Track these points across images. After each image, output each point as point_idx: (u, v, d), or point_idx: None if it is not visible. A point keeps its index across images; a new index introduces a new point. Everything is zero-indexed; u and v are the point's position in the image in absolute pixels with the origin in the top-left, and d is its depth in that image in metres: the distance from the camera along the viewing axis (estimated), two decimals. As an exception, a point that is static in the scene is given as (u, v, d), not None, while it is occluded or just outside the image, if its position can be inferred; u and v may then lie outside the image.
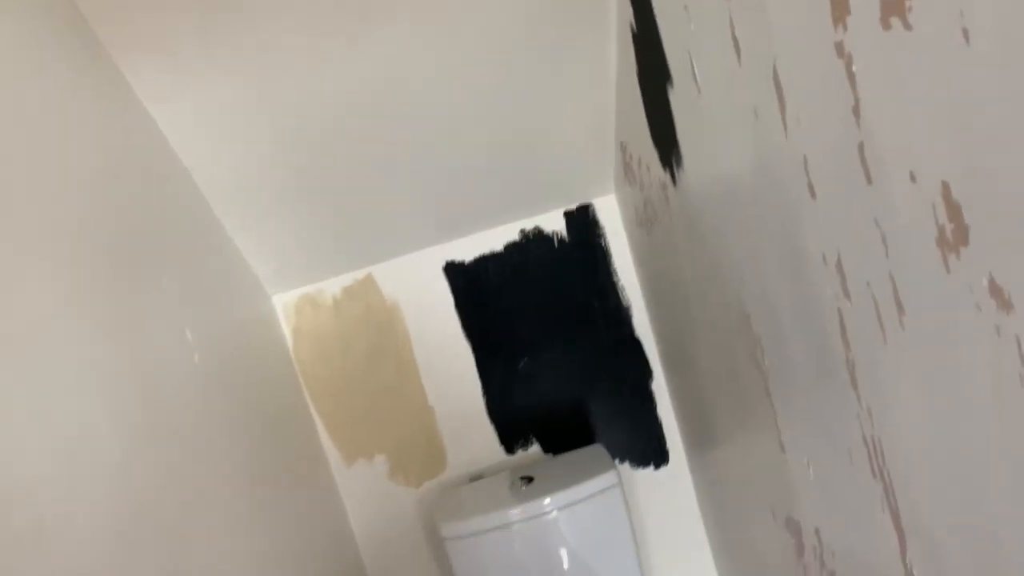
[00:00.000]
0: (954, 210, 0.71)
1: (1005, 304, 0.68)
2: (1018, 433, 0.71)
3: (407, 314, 1.97)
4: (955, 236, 0.72)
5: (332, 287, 1.95)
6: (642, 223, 1.80)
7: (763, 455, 1.45)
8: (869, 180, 0.83)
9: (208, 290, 1.46)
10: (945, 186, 0.72)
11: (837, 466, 1.13)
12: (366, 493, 2.02)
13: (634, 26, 1.41)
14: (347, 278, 1.95)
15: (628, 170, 1.79)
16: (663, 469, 2.09)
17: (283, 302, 1.94)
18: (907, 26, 0.69)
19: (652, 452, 2.08)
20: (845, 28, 0.79)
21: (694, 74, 1.21)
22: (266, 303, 1.87)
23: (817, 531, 1.29)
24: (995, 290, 0.69)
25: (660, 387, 2.05)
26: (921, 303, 0.80)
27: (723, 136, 1.18)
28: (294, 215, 1.72)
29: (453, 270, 1.97)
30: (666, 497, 2.08)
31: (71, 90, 1.08)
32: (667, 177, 1.52)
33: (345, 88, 1.47)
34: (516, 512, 1.80)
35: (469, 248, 1.97)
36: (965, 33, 0.63)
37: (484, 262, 1.97)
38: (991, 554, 0.83)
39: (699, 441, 1.92)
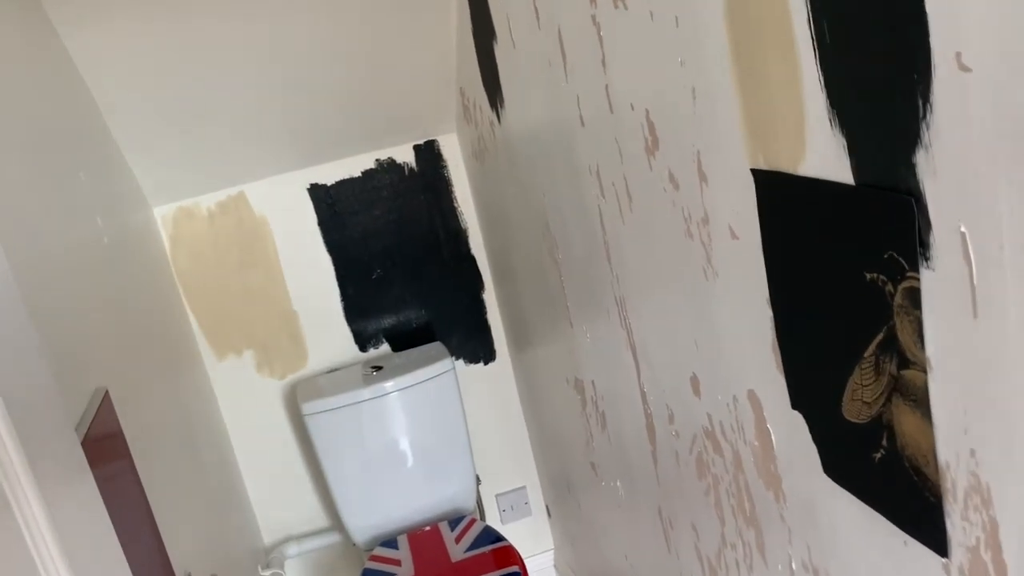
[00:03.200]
0: (651, 128, 1.13)
1: (676, 185, 1.10)
2: (686, 267, 1.14)
3: (275, 228, 2.27)
4: (652, 144, 1.14)
5: (207, 201, 2.23)
6: (477, 155, 2.18)
7: (559, 335, 1.87)
8: (612, 110, 1.24)
9: (110, 191, 1.73)
10: (647, 113, 1.13)
11: (602, 326, 1.56)
12: (235, 384, 2.33)
13: (469, -8, 1.77)
14: (221, 195, 2.23)
15: (466, 111, 2.16)
16: (491, 365, 2.50)
17: (162, 214, 2.20)
18: (626, 7, 1.09)
19: (482, 351, 2.49)
20: (596, 6, 1.18)
21: (511, 33, 1.59)
22: (148, 213, 2.13)
23: (593, 383, 1.73)
24: (671, 178, 1.11)
25: (490, 296, 2.46)
26: (638, 191, 1.22)
27: (530, 81, 1.57)
28: (176, 137, 1.98)
29: (316, 191, 2.29)
30: (493, 387, 2.51)
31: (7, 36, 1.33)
32: (494, 116, 1.91)
33: (232, 32, 1.75)
34: (366, 392, 2.16)
35: (331, 173, 2.29)
36: (652, 15, 1.04)
37: (344, 185, 2.30)
38: (680, 366, 1.27)
39: (519, 340, 2.34)
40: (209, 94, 1.90)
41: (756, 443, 1.08)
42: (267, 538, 2.44)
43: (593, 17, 1.20)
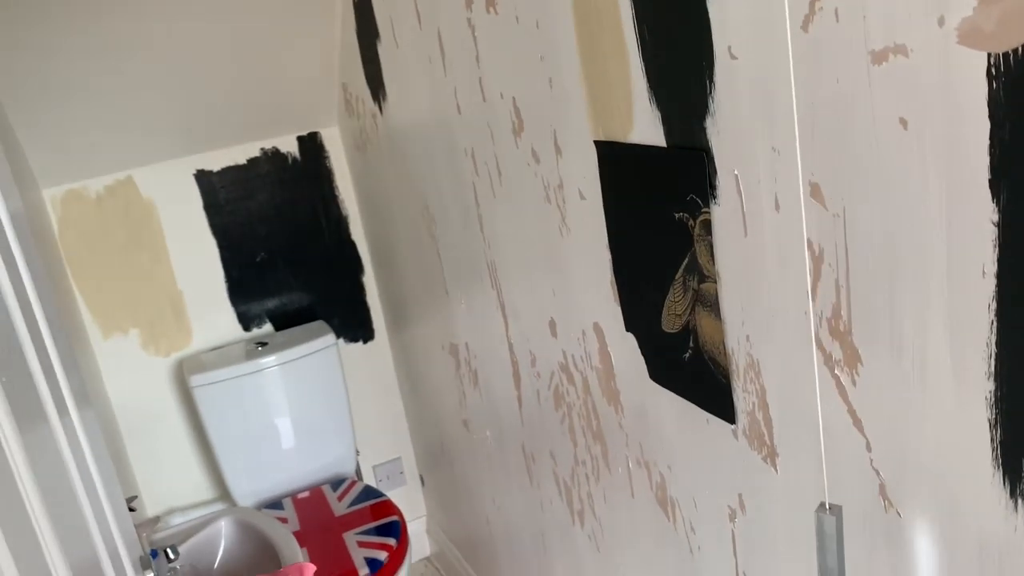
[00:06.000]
0: (518, 113, 1.37)
1: (537, 159, 1.34)
2: (546, 227, 1.38)
3: (162, 211, 2.38)
4: (519, 126, 1.38)
5: (95, 185, 2.31)
6: (359, 147, 2.38)
7: (436, 305, 2.09)
8: (484, 99, 1.47)
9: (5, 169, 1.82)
10: (514, 100, 1.37)
11: (475, 290, 1.79)
12: (121, 361, 2.41)
13: (356, -4, 1.97)
14: (109, 179, 2.33)
15: (349, 105, 2.35)
16: (370, 344, 2.69)
17: (51, 195, 2.28)
18: (496, 12, 1.33)
19: (362, 331, 2.68)
20: (471, 10, 1.41)
21: (394, 33, 1.80)
22: (37, 194, 2.20)
23: (467, 345, 1.95)
24: (534, 153, 1.35)
25: (370, 280, 2.65)
26: (507, 167, 1.46)
27: (412, 76, 1.79)
28: (66, 120, 2.08)
29: (203, 177, 2.41)
30: (371, 365, 2.69)
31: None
32: (376, 109, 2.11)
33: (125, 21, 1.88)
34: (251, 365, 2.31)
35: (217, 160, 2.42)
36: (518, 19, 1.28)
37: (229, 172, 2.43)
38: (541, 313, 1.51)
39: (397, 319, 2.54)
40: (99, 78, 2.01)
41: (600, 366, 1.34)
42: (151, 512, 2.53)
43: (468, 20, 1.43)
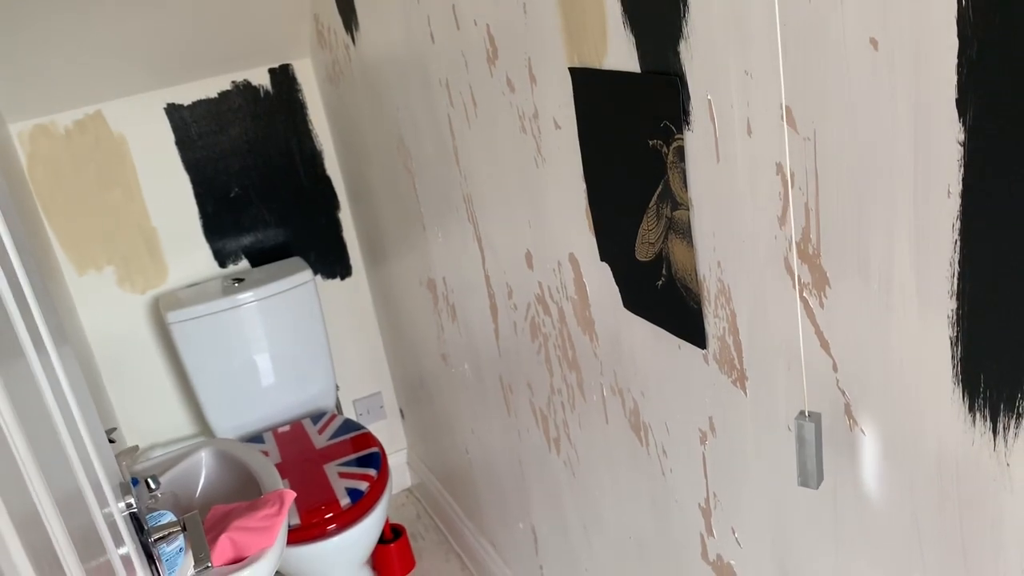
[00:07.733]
0: (492, 40, 1.35)
1: (512, 88, 1.33)
2: (521, 158, 1.38)
3: (133, 146, 2.34)
4: (493, 54, 1.36)
5: (64, 120, 2.27)
6: (332, 79, 2.34)
7: (413, 240, 2.09)
8: (458, 27, 1.45)
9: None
10: (488, 28, 1.35)
11: (452, 224, 1.78)
12: (97, 298, 2.40)
13: (326, -79, 1.92)
14: (78, 113, 2.28)
15: (321, 37, 2.30)
16: (347, 280, 2.69)
17: (18, 130, 2.23)
18: (468, -63, 1.29)
19: (339, 267, 2.67)
20: (443, -64, 1.38)
21: (366, -40, 1.76)
22: (4, 129, 2.16)
23: (444, 279, 1.96)
24: (508, 82, 1.34)
25: (346, 215, 2.63)
26: (482, 97, 1.45)
27: (384, 4, 1.75)
28: (30, 51, 2.03)
29: (173, 111, 2.37)
30: (349, 301, 2.70)
31: None
32: (348, 39, 2.07)
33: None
34: (228, 301, 2.30)
35: (187, 93, 2.37)
36: (484, -58, 1.25)
37: (200, 105, 2.39)
38: (517, 245, 1.51)
39: (374, 254, 2.53)
40: (62, 7, 1.96)
41: (576, 297, 1.35)
42: (131, 447, 2.54)
43: (442, -55, 1.40)
